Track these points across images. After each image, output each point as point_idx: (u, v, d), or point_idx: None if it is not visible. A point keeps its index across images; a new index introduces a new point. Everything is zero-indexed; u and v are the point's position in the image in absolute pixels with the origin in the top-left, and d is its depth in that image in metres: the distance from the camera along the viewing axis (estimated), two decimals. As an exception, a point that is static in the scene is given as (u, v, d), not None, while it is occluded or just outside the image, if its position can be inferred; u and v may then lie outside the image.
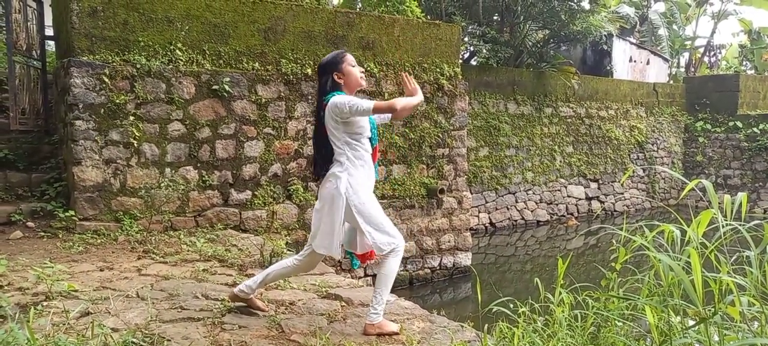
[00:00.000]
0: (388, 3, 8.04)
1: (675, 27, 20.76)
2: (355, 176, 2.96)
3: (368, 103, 2.90)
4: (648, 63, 17.11)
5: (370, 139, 3.08)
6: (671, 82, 18.32)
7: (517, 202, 12.21)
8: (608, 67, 15.55)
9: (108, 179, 5.45)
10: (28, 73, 6.27)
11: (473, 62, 14.01)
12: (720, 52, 23.82)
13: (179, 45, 5.86)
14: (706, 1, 20.33)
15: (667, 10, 20.75)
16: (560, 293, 2.58)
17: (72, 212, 5.26)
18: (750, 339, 1.74)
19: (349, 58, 3.09)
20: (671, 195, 15.43)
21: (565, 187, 13.16)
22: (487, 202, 11.66)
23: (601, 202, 13.78)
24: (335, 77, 3.04)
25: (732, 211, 1.93)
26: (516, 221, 12.07)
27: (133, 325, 2.96)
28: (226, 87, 6.01)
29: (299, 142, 6.60)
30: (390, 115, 3.19)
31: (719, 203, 1.93)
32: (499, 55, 12.02)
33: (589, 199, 13.57)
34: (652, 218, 13.48)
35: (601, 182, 13.88)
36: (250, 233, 6.02)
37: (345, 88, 3.06)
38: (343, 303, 3.66)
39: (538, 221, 12.42)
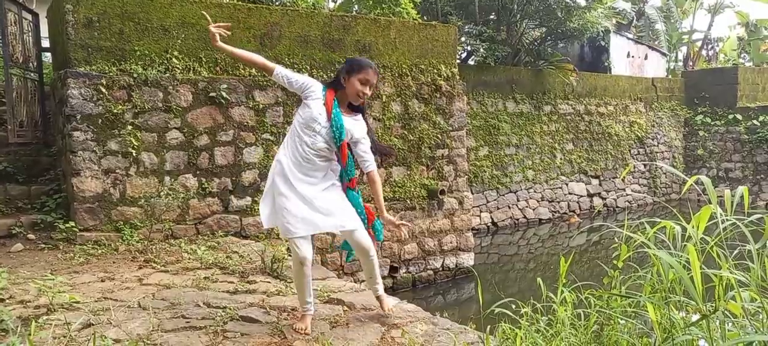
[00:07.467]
0: (383, 5, 8.03)
1: (672, 21, 20.76)
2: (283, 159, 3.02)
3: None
4: (646, 58, 17.10)
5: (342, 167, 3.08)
6: (670, 76, 18.32)
7: (518, 200, 12.20)
8: (606, 63, 15.54)
9: (107, 189, 5.45)
10: (26, 85, 6.28)
11: (471, 62, 14.02)
12: (717, 45, 23.82)
13: (175, 53, 5.86)
14: (701, -5, 20.34)
15: (664, 5, 20.74)
16: (563, 292, 2.57)
17: (72, 223, 5.26)
18: (752, 335, 1.73)
19: (364, 73, 3.00)
20: (673, 189, 15.41)
21: (566, 184, 13.14)
22: (488, 201, 11.65)
23: (603, 198, 13.76)
24: (342, 80, 3.03)
25: (732, 205, 1.91)
26: (518, 219, 12.06)
27: (135, 335, 2.95)
28: (224, 94, 6.01)
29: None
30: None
31: (720, 197, 1.92)
32: (496, 54, 12.01)
33: (590, 196, 13.55)
34: (654, 214, 13.46)
35: (602, 178, 13.86)
36: (251, 240, 6.01)
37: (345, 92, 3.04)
38: (346, 308, 3.64)
39: (540, 219, 12.40)
